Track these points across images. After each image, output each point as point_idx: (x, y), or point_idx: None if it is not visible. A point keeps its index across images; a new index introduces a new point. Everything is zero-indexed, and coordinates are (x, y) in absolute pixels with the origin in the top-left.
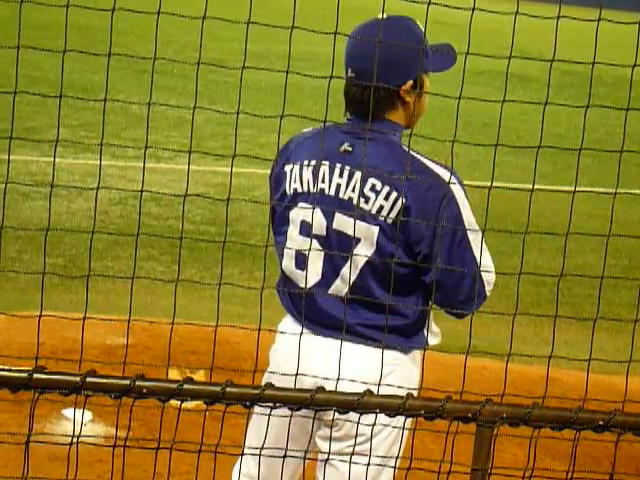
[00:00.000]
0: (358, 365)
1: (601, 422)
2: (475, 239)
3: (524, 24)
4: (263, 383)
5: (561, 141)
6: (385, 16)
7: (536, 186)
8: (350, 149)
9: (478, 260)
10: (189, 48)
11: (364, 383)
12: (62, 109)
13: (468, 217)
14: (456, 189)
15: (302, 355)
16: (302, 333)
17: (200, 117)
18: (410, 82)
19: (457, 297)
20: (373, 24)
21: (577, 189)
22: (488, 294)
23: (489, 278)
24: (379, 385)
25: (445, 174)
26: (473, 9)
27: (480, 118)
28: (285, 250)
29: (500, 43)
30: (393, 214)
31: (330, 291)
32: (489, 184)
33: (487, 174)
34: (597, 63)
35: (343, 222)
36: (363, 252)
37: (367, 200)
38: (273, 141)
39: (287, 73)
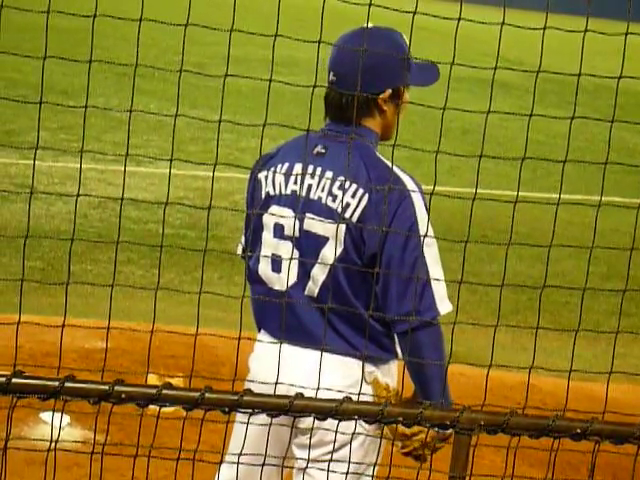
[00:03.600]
0: (331, 376)
1: (578, 430)
2: (428, 250)
3: (505, 31)
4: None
5: (540, 148)
6: (372, 26)
7: (515, 193)
8: (323, 151)
9: (430, 270)
10: (171, 52)
11: (327, 390)
12: (42, 112)
13: (423, 226)
14: (416, 198)
15: (278, 364)
16: (281, 342)
17: (180, 121)
18: (389, 91)
19: (402, 306)
20: (358, 32)
21: (560, 198)
22: (441, 312)
23: (441, 292)
24: (359, 394)
25: (410, 183)
26: (459, 19)
27: (460, 124)
28: (261, 255)
29: (481, 50)
30: (358, 212)
31: (306, 292)
32: (468, 190)
33: (466, 180)
34: (583, 75)
35: (312, 222)
36: (331, 252)
37: (334, 198)
38: (253, 145)
39: (270, 82)
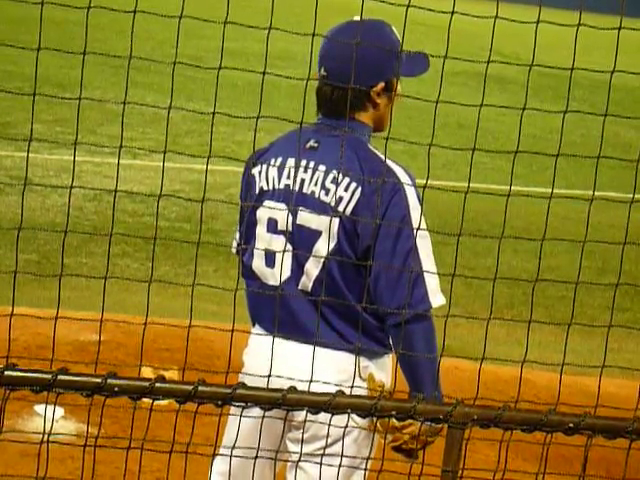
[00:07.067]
0: (326, 370)
1: (571, 425)
2: (421, 242)
3: (501, 25)
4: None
5: (536, 142)
6: (361, 19)
7: (511, 188)
8: (316, 145)
9: (423, 262)
10: (167, 45)
11: (321, 384)
12: (38, 104)
13: (416, 218)
14: (409, 190)
15: (272, 358)
16: (275, 336)
17: (176, 114)
18: (381, 84)
19: (394, 298)
20: (348, 26)
21: (552, 192)
22: (433, 304)
23: (433, 285)
24: (351, 387)
25: (403, 175)
26: (452, 12)
27: (456, 119)
28: (255, 250)
29: (477, 44)
30: (352, 205)
31: (299, 287)
32: (464, 184)
33: (462, 174)
34: (576, 69)
35: (305, 216)
36: (325, 246)
37: (327, 192)
38: (249, 139)
39: (264, 74)
